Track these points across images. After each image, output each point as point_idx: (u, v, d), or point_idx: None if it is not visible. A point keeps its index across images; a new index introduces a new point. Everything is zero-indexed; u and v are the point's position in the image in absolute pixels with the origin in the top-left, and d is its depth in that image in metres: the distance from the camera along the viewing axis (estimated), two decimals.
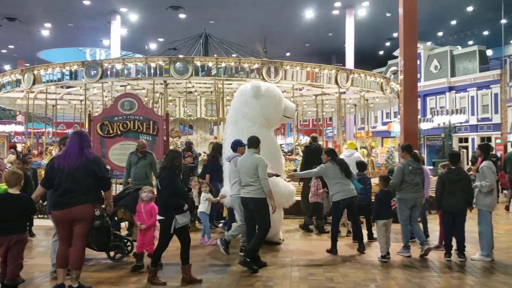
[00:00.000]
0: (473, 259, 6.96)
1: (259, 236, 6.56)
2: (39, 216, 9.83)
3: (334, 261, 6.99)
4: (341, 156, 9.74)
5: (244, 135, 7.16)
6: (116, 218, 7.38)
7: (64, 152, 5.46)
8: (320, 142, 13.24)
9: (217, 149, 9.78)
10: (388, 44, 33.63)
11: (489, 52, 31.05)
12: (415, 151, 7.91)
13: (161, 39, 31.86)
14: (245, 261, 6.35)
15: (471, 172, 12.61)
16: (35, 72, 13.92)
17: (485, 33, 31.80)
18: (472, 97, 27.91)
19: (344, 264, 6.83)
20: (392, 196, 7.60)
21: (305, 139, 16.07)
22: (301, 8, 26.37)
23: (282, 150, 13.20)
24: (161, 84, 13.90)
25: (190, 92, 17.08)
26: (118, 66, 12.80)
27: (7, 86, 15.41)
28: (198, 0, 24.30)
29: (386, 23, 27.79)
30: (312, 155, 9.85)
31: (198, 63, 12.60)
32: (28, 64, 31.53)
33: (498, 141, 25.56)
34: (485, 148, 7.45)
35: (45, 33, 31.04)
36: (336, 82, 13.63)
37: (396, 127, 26.33)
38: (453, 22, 29.94)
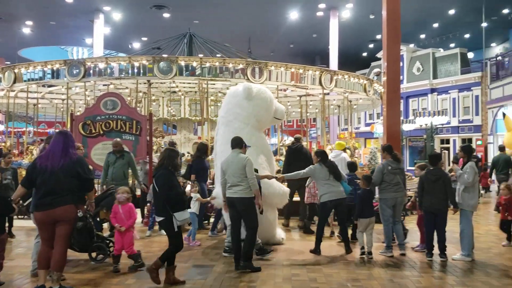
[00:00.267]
0: (454, 259, 7.06)
1: (249, 237, 6.57)
2: (19, 216, 9.69)
3: (318, 262, 7.01)
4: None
5: None
6: (98, 219, 7.30)
7: (47, 152, 5.37)
8: (304, 143, 13.30)
9: (202, 149, 9.74)
10: (371, 46, 33.91)
11: (471, 55, 31.50)
12: (395, 152, 8.02)
13: (144, 38, 31.61)
14: (245, 265, 6.40)
15: (452, 173, 12.83)
16: (16, 70, 13.67)
17: (467, 36, 32.32)
18: (454, 99, 28.26)
19: (327, 264, 6.86)
20: (373, 195, 7.72)
21: (289, 140, 16.09)
22: (286, 9, 26.44)
23: None
24: (145, 83, 13.79)
25: (174, 92, 16.99)
26: (101, 65, 12.65)
27: None
28: None
29: (369, 25, 28.03)
30: (294, 155, 9.90)
31: (182, 63, 12.53)
32: (9, 62, 30.94)
33: (479, 142, 25.94)
34: (467, 150, 7.56)
35: (26, 31, 30.58)
36: (320, 83, 13.69)
37: (379, 128, 26.56)
38: (435, 25, 30.37)
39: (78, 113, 12.50)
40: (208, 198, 8.43)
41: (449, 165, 21.99)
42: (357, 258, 7.22)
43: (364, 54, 36.31)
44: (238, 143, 6.78)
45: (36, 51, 35.06)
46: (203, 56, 15.59)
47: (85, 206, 5.88)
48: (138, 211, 10.09)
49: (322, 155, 7.84)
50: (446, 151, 27.84)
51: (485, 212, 12.69)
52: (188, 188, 8.60)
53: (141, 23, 28.63)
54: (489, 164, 21.01)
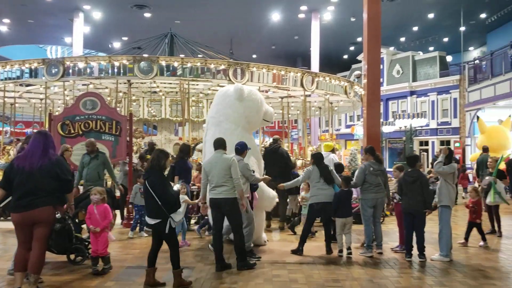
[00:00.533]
0: (432, 259, 7.15)
1: (238, 236, 6.62)
2: None
3: (299, 262, 7.03)
4: None
5: (228, 138, 7.08)
6: (77, 220, 7.19)
7: (26, 152, 5.26)
8: (286, 144, 13.31)
9: (184, 150, 9.68)
10: (352, 48, 34.23)
11: (449, 58, 32.03)
12: (378, 153, 8.13)
13: (125, 38, 31.34)
14: (242, 265, 6.47)
15: (431, 175, 13.01)
16: None
17: (445, 39, 32.88)
18: (433, 102, 28.66)
19: (308, 265, 6.88)
20: (351, 196, 7.84)
21: (271, 141, 16.14)
22: (268, 10, 26.51)
23: None
24: (125, 83, 13.66)
25: (155, 92, 16.87)
26: (81, 65, 12.51)
27: None
28: None
29: (350, 27, 28.30)
30: (270, 156, 9.88)
31: (163, 63, 12.46)
32: None
33: (457, 144, 26.39)
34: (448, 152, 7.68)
35: (3, 28, 30.06)
36: (302, 85, 13.75)
37: (359, 130, 26.77)
38: (415, 28, 30.84)
39: (57, 113, 12.31)
40: (196, 201, 8.35)
41: (427, 166, 22.29)
42: (338, 258, 7.26)
43: (345, 56, 36.62)
44: (221, 144, 6.77)
45: (14, 50, 34.44)
46: (184, 57, 15.52)
47: (64, 208, 5.79)
48: (119, 212, 10.04)
49: (316, 157, 7.92)
50: (425, 153, 28.22)
51: (463, 213, 12.86)
52: (176, 187, 8.55)
53: (121, 22, 28.37)
54: (468, 165, 21.51)
